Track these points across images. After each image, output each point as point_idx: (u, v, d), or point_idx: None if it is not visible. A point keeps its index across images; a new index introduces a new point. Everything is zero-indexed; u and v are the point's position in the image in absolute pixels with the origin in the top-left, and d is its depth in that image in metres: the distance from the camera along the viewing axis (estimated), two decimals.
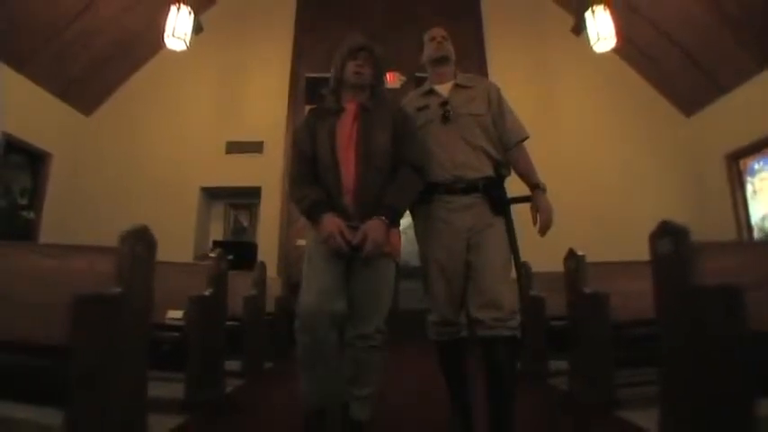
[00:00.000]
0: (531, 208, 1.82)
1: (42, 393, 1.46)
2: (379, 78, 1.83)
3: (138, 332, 1.61)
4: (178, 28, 4.78)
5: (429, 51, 1.98)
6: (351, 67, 1.75)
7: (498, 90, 1.93)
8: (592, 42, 4.94)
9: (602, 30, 4.82)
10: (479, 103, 1.86)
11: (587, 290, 2.44)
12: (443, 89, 1.90)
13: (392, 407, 2.33)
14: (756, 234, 5.25)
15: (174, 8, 4.83)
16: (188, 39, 4.91)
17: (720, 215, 5.51)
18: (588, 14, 4.97)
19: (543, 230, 1.79)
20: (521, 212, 1.83)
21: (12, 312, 1.52)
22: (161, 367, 2.06)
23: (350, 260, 1.63)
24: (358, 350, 1.62)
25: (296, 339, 1.59)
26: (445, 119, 1.81)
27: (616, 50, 5.45)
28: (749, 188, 5.40)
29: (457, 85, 1.90)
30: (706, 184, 5.82)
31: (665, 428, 1.66)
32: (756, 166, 5.29)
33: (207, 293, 2.33)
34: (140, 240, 1.63)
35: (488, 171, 1.80)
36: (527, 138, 1.90)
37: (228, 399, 2.59)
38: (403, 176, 1.67)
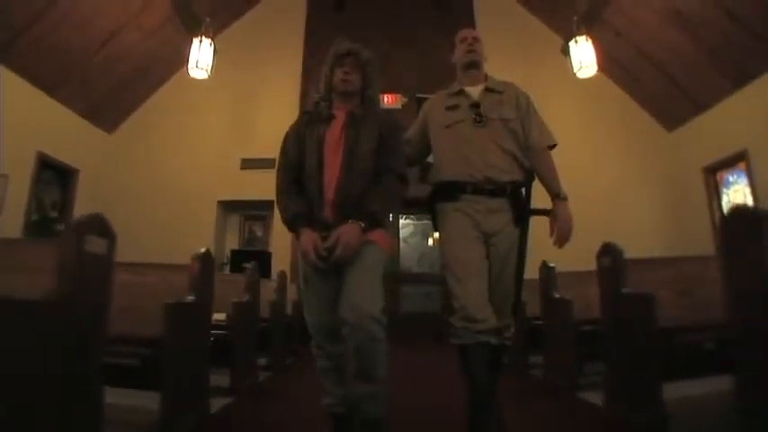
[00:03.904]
0: (551, 218, 1.80)
1: (135, 380, 1.92)
2: (368, 82, 1.78)
3: (204, 330, 2.11)
4: (201, 59, 5.28)
5: (460, 54, 1.95)
6: (338, 74, 1.72)
7: (528, 97, 1.92)
8: (575, 69, 5.40)
9: (584, 58, 5.29)
10: (509, 108, 1.84)
11: (556, 295, 2.91)
12: (473, 91, 1.88)
13: (393, 406, 2.54)
14: None
15: (196, 41, 5.31)
16: (209, 69, 5.39)
17: (698, 224, 5.92)
18: (572, 44, 5.43)
19: (560, 242, 1.76)
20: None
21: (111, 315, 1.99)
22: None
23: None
24: (354, 343, 1.47)
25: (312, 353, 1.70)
26: (477, 122, 1.79)
27: (602, 70, 5.79)
28: (725, 199, 5.78)
29: (487, 89, 1.88)
30: (685, 194, 6.22)
31: (607, 405, 2.15)
32: (731, 179, 5.68)
33: (245, 299, 2.81)
34: (205, 260, 2.12)
35: (517, 176, 1.78)
36: (555, 145, 1.87)
37: (262, 387, 3.07)
38: (385, 182, 1.62)
